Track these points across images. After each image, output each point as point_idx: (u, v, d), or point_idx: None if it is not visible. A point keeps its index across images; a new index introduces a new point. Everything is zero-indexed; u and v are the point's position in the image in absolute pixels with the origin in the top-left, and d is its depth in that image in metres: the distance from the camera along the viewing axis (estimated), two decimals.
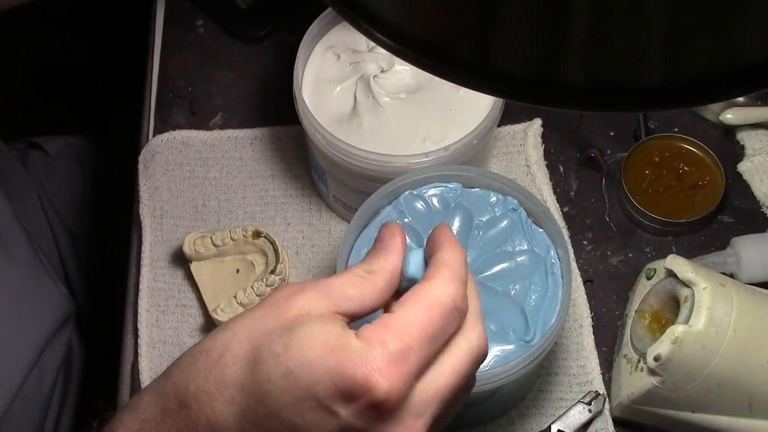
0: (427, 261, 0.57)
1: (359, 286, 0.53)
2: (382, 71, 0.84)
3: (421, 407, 0.51)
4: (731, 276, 0.82)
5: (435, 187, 0.77)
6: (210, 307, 0.83)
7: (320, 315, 0.52)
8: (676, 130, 0.92)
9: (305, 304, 0.52)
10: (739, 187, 0.90)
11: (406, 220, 0.76)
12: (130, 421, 0.53)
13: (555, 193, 0.90)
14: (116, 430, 0.53)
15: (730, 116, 0.90)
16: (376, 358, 0.49)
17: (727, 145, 0.92)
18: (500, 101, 0.81)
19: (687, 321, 0.71)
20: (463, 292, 0.54)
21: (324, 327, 0.50)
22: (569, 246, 0.86)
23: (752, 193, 0.89)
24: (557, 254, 0.74)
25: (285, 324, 0.51)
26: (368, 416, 0.49)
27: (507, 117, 0.91)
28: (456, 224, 0.76)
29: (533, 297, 0.73)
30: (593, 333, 0.83)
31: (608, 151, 0.93)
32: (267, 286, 0.83)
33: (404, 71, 0.84)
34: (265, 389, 0.49)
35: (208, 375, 0.51)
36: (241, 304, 0.82)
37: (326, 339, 0.50)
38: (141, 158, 0.94)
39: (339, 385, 0.49)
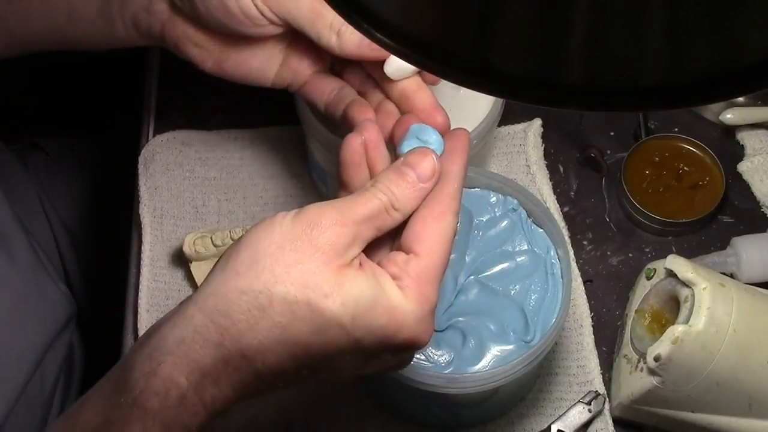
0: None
1: (382, 223, 0.58)
2: None
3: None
4: (731, 276, 0.82)
5: None
6: None
7: (362, 267, 0.57)
8: (676, 130, 0.92)
9: (344, 250, 0.56)
10: (739, 187, 0.90)
11: None
12: (185, 365, 0.54)
13: (555, 193, 0.90)
14: (175, 377, 0.54)
15: (730, 116, 0.90)
16: (425, 318, 0.57)
17: (727, 145, 0.92)
18: (500, 101, 0.81)
19: (687, 321, 0.71)
20: None
21: (376, 290, 0.56)
22: (569, 246, 0.86)
23: (752, 193, 0.89)
24: (557, 254, 0.74)
25: (337, 281, 0.55)
26: (405, 356, 0.61)
27: (507, 117, 0.90)
28: None
29: (533, 297, 0.73)
30: (593, 333, 0.83)
31: (608, 151, 0.93)
32: None
33: None
34: (330, 353, 0.56)
35: (270, 334, 0.55)
36: None
37: (383, 306, 0.56)
38: (141, 158, 0.94)
39: (394, 343, 0.57)
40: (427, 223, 0.58)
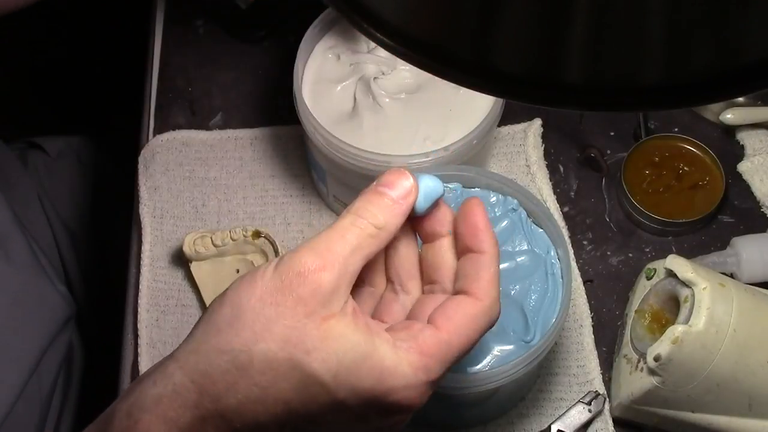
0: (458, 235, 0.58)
1: (368, 248, 0.54)
2: (382, 72, 0.84)
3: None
4: (731, 276, 0.82)
5: None
6: None
7: (356, 319, 0.53)
8: (676, 130, 0.92)
9: (329, 298, 0.52)
10: (739, 187, 0.90)
11: None
12: (162, 423, 0.53)
13: (555, 193, 0.90)
14: None
15: (730, 116, 0.90)
16: (418, 387, 0.53)
17: (727, 145, 0.92)
18: (500, 101, 0.81)
19: (687, 321, 0.71)
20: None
21: (366, 348, 0.52)
22: (569, 246, 0.86)
23: (752, 193, 0.89)
24: (557, 254, 0.74)
25: (320, 335, 0.52)
26: (397, 419, 0.55)
27: (507, 117, 0.91)
28: None
29: (533, 297, 0.73)
30: (593, 333, 0.83)
31: (608, 151, 0.93)
32: None
33: (404, 71, 0.84)
34: (312, 412, 0.53)
35: (249, 393, 0.52)
36: None
37: (371, 366, 0.52)
38: (141, 158, 0.94)
39: (381, 407, 0.53)
40: (460, 305, 0.55)
